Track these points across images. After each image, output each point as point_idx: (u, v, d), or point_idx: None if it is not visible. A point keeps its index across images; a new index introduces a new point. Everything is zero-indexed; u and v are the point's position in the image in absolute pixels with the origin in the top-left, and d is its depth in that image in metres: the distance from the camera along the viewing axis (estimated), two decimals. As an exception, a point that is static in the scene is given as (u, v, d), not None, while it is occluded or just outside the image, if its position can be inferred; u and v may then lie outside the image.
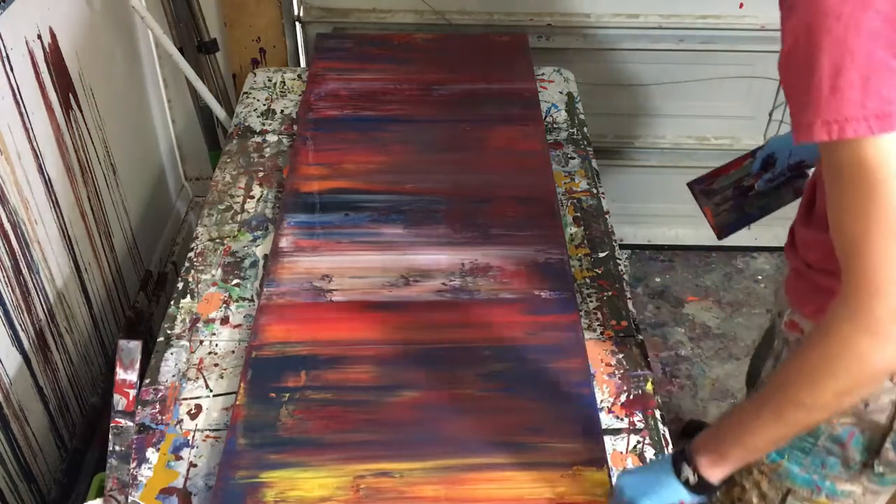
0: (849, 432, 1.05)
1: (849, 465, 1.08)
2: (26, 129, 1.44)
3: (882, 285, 0.75)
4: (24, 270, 1.43)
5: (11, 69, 1.39)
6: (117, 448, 0.97)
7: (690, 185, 1.43)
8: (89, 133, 1.72)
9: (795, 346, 1.09)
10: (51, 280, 1.54)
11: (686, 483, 0.92)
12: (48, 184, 1.52)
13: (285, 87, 1.91)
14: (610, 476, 1.05)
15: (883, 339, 0.76)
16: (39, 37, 1.51)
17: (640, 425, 1.15)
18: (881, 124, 0.73)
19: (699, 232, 2.49)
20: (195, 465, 1.10)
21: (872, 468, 1.06)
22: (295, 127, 1.75)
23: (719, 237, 1.40)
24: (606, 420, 1.15)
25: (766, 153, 1.35)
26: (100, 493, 1.03)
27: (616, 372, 1.22)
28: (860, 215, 0.76)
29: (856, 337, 0.78)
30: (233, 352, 1.26)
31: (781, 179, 1.33)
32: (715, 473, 0.92)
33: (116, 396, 0.96)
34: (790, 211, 1.12)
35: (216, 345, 1.27)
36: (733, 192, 1.38)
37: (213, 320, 1.31)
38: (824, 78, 0.74)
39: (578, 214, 1.52)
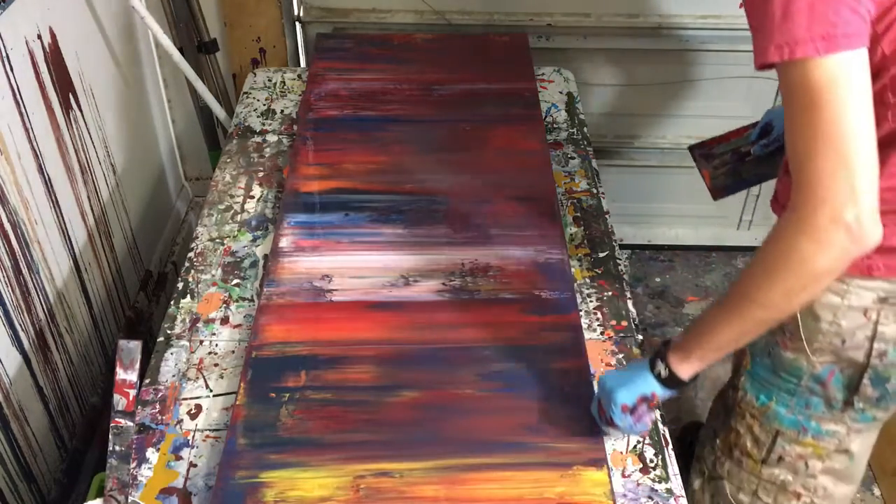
0: (829, 371, 1.11)
1: (831, 405, 1.14)
2: (26, 129, 1.44)
3: (825, 197, 0.83)
4: (24, 270, 1.43)
5: (11, 69, 1.39)
6: (117, 448, 0.97)
7: (691, 148, 1.48)
8: (89, 133, 1.72)
9: None
10: (51, 280, 1.54)
11: (659, 377, 1.02)
12: (48, 184, 1.52)
13: (285, 87, 1.91)
14: (610, 476, 1.05)
15: (825, 244, 0.85)
16: (39, 37, 1.51)
17: (640, 425, 1.15)
18: (826, 45, 0.81)
19: (699, 232, 2.50)
20: (195, 465, 1.10)
21: (853, 405, 1.13)
22: (295, 127, 1.75)
23: (715, 198, 1.47)
24: (606, 420, 1.15)
25: (764, 121, 1.41)
26: (100, 493, 1.03)
27: (616, 372, 1.22)
28: (808, 133, 0.84)
29: (801, 242, 0.86)
30: (233, 352, 1.26)
31: (776, 146, 1.38)
32: (684, 369, 1.01)
33: (116, 396, 0.96)
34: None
35: (216, 345, 1.27)
36: (731, 156, 1.46)
37: (213, 320, 1.31)
38: (777, 6, 0.83)
39: (578, 214, 1.52)
